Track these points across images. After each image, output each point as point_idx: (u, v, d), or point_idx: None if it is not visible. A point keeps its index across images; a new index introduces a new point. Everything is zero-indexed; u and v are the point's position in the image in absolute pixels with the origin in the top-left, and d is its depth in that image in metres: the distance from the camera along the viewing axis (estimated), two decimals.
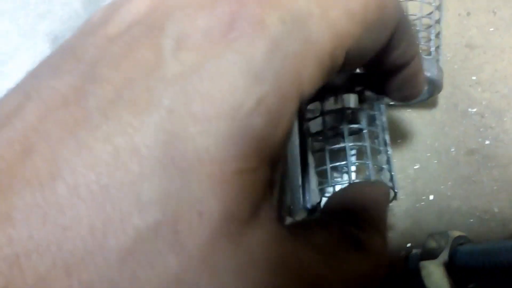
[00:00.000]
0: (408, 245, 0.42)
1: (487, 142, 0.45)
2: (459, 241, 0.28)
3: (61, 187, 0.17)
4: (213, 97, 0.18)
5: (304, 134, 0.31)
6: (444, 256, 0.28)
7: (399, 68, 0.28)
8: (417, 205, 0.43)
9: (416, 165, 0.44)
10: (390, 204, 0.42)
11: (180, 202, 0.18)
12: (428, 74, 0.40)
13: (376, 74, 0.29)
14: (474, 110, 0.46)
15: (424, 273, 0.30)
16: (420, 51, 0.41)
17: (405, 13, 0.26)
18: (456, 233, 0.28)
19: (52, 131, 0.18)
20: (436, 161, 0.44)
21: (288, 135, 0.20)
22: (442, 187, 0.43)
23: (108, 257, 0.17)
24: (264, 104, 0.18)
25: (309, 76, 0.20)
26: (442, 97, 0.46)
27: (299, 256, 0.21)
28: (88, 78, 0.19)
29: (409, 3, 0.43)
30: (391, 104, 0.46)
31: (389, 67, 0.28)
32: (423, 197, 0.43)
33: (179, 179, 0.18)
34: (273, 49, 0.19)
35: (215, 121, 0.18)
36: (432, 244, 0.29)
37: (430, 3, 0.44)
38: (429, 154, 0.45)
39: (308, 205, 0.33)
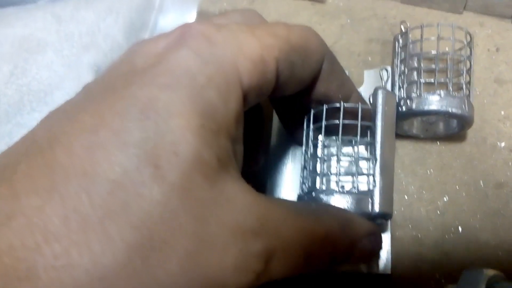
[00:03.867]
0: (437, 276, 0.43)
1: None
2: (495, 279, 0.29)
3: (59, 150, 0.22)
4: (173, 73, 0.24)
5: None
6: None
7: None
8: (446, 236, 0.44)
9: (445, 197, 0.45)
10: (420, 235, 0.43)
11: (157, 144, 0.22)
12: (459, 111, 0.42)
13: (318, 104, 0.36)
14: (503, 144, 0.47)
15: None
16: (450, 86, 0.42)
17: (332, 56, 0.33)
18: (492, 272, 0.29)
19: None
20: (465, 194, 0.45)
21: (238, 117, 0.26)
22: (471, 219, 0.44)
23: (99, 190, 0.21)
24: (213, 81, 0.25)
25: (246, 69, 0.26)
26: (471, 131, 0.47)
27: (264, 206, 0.26)
28: None
29: (441, 42, 0.44)
30: (421, 137, 0.47)
31: (328, 99, 0.35)
32: (452, 229, 0.44)
33: (154, 128, 0.23)
34: (213, 45, 0.26)
35: (177, 87, 0.24)
36: (469, 280, 0.29)
37: (461, 41, 0.45)
38: (458, 187, 0.46)
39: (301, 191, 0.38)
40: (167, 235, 0.21)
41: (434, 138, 0.47)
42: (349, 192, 0.34)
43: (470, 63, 0.45)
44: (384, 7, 0.55)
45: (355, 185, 0.35)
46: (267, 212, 0.26)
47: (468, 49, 0.45)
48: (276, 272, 0.26)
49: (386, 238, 0.40)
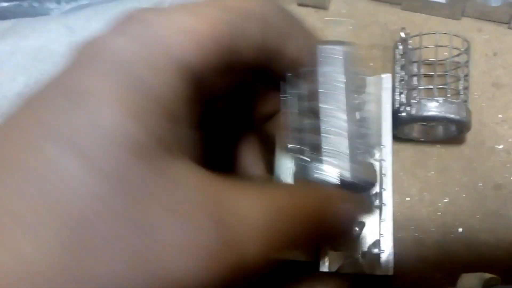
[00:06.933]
0: (438, 276, 0.44)
1: None
2: (491, 283, 0.30)
3: None
4: (100, 58, 0.22)
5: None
6: None
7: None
8: (447, 237, 0.45)
9: (445, 199, 0.47)
10: (422, 236, 0.45)
11: (78, 127, 0.20)
12: (456, 117, 0.43)
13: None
14: (501, 146, 0.48)
15: None
16: (449, 92, 0.44)
17: (281, 11, 0.29)
18: (488, 275, 0.31)
19: None
20: (464, 195, 0.47)
21: (184, 96, 0.24)
22: (470, 220, 0.46)
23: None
24: (143, 59, 0.22)
25: (176, 42, 0.23)
26: (470, 134, 0.48)
27: (222, 185, 0.23)
28: None
29: (439, 49, 0.46)
30: (422, 140, 0.49)
31: (295, 62, 0.30)
32: (453, 230, 0.45)
33: (73, 111, 0.21)
34: (146, 27, 0.24)
35: (103, 71, 0.22)
36: (466, 284, 0.31)
37: (458, 48, 0.46)
38: (457, 188, 0.47)
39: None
40: (97, 224, 0.19)
41: (434, 141, 0.49)
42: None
43: (468, 69, 0.46)
44: (385, 14, 0.57)
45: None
46: (229, 192, 0.23)
47: (466, 56, 0.47)
48: (254, 255, 0.22)
49: (388, 239, 0.41)
